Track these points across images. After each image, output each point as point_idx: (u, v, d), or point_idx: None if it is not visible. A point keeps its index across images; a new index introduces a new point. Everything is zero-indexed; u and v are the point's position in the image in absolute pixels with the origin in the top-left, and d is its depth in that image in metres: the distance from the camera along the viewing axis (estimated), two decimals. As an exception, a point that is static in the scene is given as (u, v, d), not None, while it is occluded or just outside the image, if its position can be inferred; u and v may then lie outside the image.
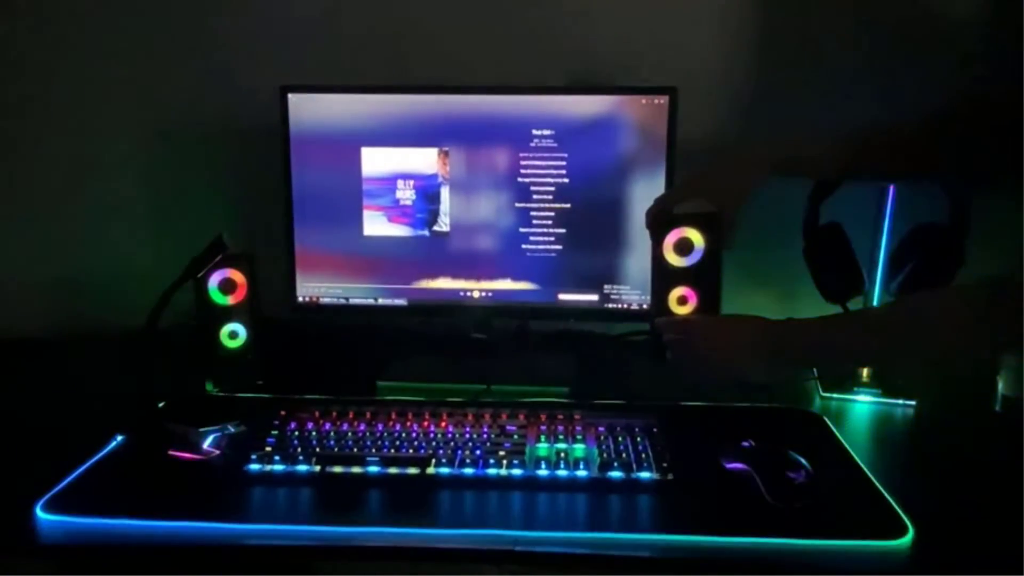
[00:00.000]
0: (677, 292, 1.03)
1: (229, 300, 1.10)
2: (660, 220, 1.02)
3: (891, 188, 1.07)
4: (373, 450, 0.88)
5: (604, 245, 1.14)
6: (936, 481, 0.89)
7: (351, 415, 0.95)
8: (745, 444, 0.87)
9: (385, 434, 0.91)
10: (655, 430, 0.93)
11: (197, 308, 1.09)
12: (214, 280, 1.09)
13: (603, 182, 1.12)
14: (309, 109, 1.13)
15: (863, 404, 1.09)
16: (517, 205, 1.14)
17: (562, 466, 0.85)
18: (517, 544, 0.75)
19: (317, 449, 0.88)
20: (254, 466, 0.86)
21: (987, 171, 0.94)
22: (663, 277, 1.03)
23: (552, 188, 1.13)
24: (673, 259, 1.03)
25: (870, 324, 0.88)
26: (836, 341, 0.86)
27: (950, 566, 0.73)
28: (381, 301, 1.18)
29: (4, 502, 0.80)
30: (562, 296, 1.16)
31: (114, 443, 0.91)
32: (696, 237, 1.02)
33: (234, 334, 1.11)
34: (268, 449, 0.88)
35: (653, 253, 1.03)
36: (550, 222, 1.14)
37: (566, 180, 1.12)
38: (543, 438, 0.91)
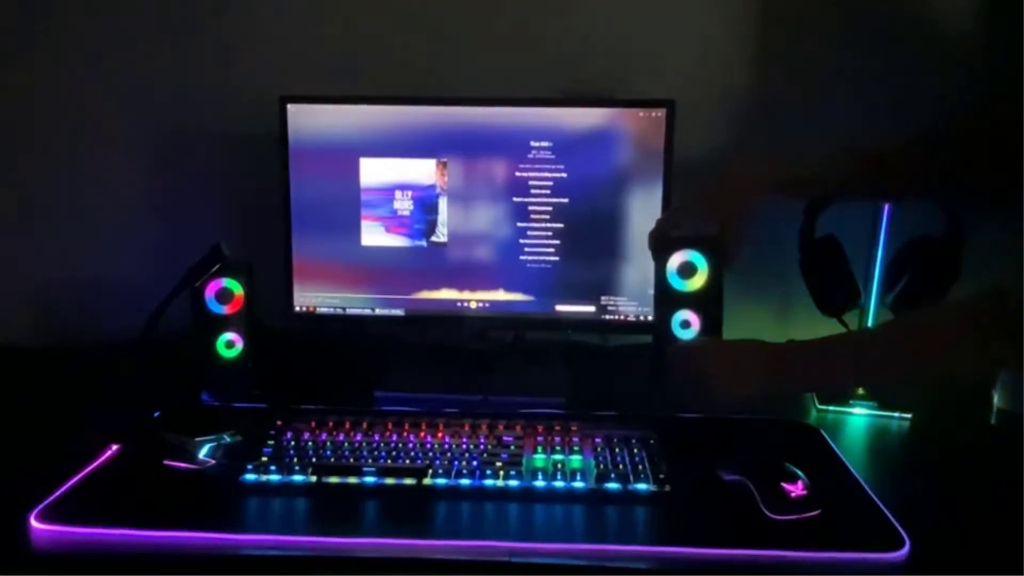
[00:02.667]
0: (680, 316, 1.04)
1: (226, 309, 1.10)
2: (662, 242, 1.02)
3: (886, 201, 1.08)
4: (369, 460, 0.88)
5: (601, 256, 1.14)
6: (932, 493, 0.89)
7: (347, 425, 0.95)
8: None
9: (382, 444, 0.91)
10: (652, 441, 0.93)
11: (194, 317, 1.09)
12: (211, 289, 1.09)
13: (601, 194, 1.13)
14: (308, 119, 1.13)
15: (859, 417, 1.09)
16: (515, 216, 1.14)
17: (559, 477, 0.85)
18: (513, 555, 0.75)
19: (313, 459, 0.88)
20: (250, 476, 0.85)
21: (985, 189, 0.94)
22: (666, 301, 1.04)
23: (550, 199, 1.13)
24: (676, 282, 1.04)
25: (869, 345, 0.87)
26: (835, 364, 0.86)
27: (946, 578, 0.73)
28: (378, 311, 1.18)
29: (-2, 511, 0.80)
30: (559, 307, 1.16)
31: (109, 452, 0.90)
32: (699, 260, 1.03)
33: (231, 344, 1.11)
34: (264, 459, 0.88)
35: (656, 276, 1.04)
36: (548, 233, 1.14)
37: (564, 191, 1.13)
38: (540, 449, 0.91)
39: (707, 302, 1.04)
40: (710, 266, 1.03)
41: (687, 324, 1.04)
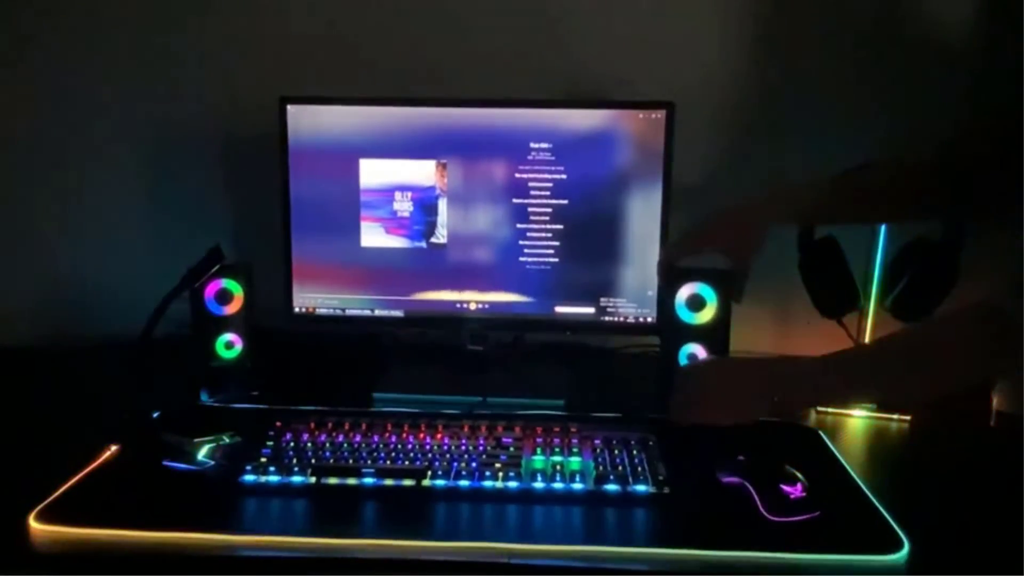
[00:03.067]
0: (688, 348, 1.05)
1: (225, 310, 1.10)
2: (671, 273, 1.02)
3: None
4: (369, 462, 0.88)
5: (601, 258, 1.14)
6: (931, 495, 0.89)
7: (347, 426, 0.95)
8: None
9: (381, 446, 0.91)
10: (651, 443, 0.93)
11: (193, 318, 1.09)
12: (211, 290, 1.09)
13: (600, 195, 1.13)
14: (308, 120, 1.13)
15: (858, 419, 1.09)
16: (514, 217, 1.14)
17: (558, 479, 0.85)
18: (512, 557, 0.75)
19: (312, 460, 0.88)
20: (249, 477, 0.85)
21: (988, 198, 0.93)
22: (674, 333, 1.04)
23: (549, 201, 1.13)
24: (685, 315, 1.04)
25: (869, 361, 0.86)
26: (839, 382, 0.85)
27: (945, 581, 0.73)
28: (378, 312, 1.18)
29: (-3, 511, 0.80)
30: (559, 308, 1.16)
31: (108, 453, 0.90)
32: (709, 294, 1.03)
33: (230, 344, 1.11)
34: (263, 460, 0.88)
35: (663, 306, 1.04)
36: (547, 234, 1.14)
37: (563, 193, 1.13)
38: (539, 451, 0.91)
39: (715, 336, 1.04)
40: (719, 299, 1.03)
41: (694, 358, 1.05)
